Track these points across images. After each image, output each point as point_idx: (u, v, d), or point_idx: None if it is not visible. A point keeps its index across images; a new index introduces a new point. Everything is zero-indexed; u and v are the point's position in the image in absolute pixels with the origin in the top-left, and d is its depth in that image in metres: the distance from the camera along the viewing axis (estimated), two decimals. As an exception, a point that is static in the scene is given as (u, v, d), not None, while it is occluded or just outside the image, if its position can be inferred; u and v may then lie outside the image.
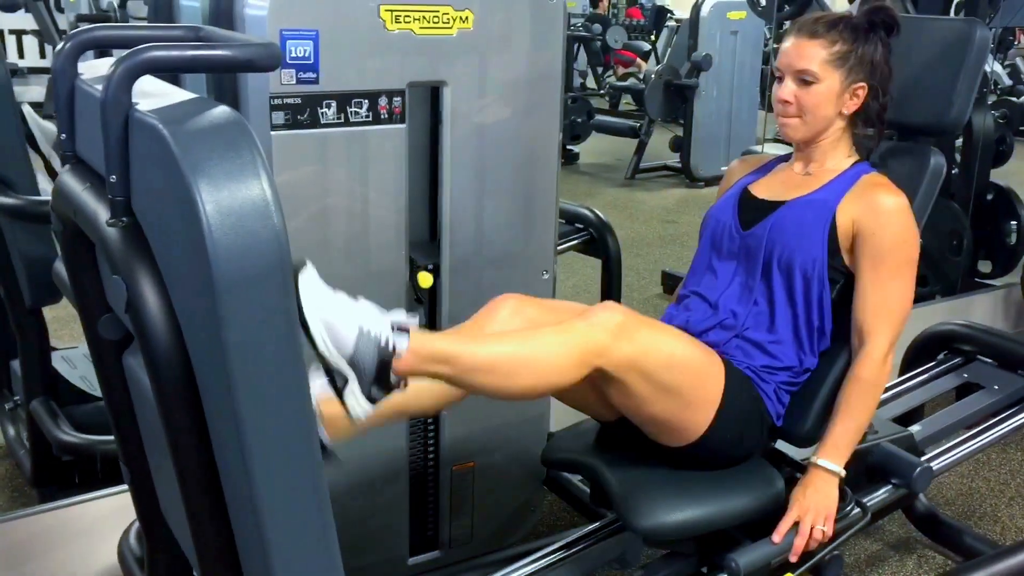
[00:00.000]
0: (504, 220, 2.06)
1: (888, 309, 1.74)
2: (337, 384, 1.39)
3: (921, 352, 2.44)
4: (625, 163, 6.96)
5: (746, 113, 6.79)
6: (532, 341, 1.57)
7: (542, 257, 2.13)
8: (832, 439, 1.74)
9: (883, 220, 1.73)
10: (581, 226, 3.40)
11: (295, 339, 0.97)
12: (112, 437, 1.41)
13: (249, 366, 0.94)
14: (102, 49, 1.65)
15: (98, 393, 2.53)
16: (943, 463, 2.04)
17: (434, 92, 1.96)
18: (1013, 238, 3.87)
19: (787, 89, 1.81)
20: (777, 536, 1.71)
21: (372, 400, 1.40)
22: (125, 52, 1.01)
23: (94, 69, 1.24)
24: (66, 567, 2.16)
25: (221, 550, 1.06)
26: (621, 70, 9.93)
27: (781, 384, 1.80)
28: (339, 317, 1.37)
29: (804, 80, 1.79)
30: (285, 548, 1.00)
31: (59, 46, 1.20)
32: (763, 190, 1.90)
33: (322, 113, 1.80)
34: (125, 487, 1.45)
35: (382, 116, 1.87)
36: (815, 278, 1.76)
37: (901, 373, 2.45)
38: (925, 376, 2.37)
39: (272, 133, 1.76)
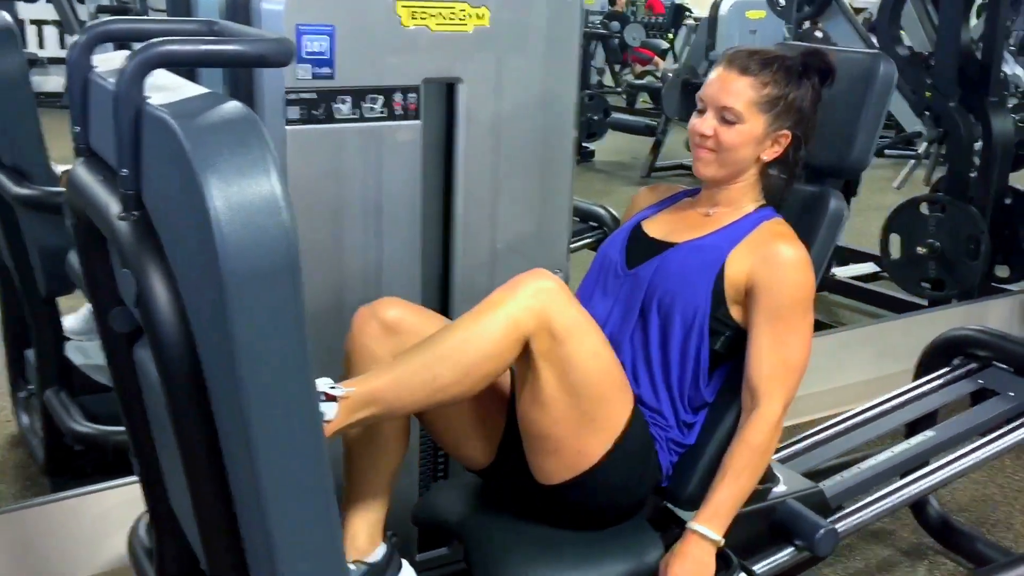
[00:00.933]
0: (518, 217, 2.05)
1: (784, 370, 1.61)
2: None
3: (936, 357, 2.42)
4: (641, 161, 6.95)
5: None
6: (452, 335, 1.45)
7: (555, 255, 2.12)
8: (713, 504, 1.59)
9: (780, 274, 1.61)
10: (595, 224, 3.39)
11: (302, 335, 0.96)
12: (124, 428, 1.41)
13: (256, 361, 0.94)
14: (118, 42, 1.66)
15: (111, 383, 2.55)
16: (848, 524, 1.86)
17: (449, 89, 1.95)
18: (1032, 242, 3.84)
19: (707, 123, 1.69)
20: None
21: None
22: (139, 45, 1.01)
23: (109, 62, 1.25)
24: (76, 556, 2.17)
25: (227, 542, 1.07)
26: (639, 68, 9.90)
27: (671, 441, 1.68)
28: None
29: (726, 118, 1.67)
30: (289, 541, 1.00)
31: (74, 38, 1.20)
32: (657, 228, 1.78)
33: (337, 108, 1.80)
34: (136, 478, 1.45)
35: (397, 112, 1.86)
36: (695, 330, 1.63)
37: (916, 377, 2.44)
38: (940, 381, 2.35)
39: (287, 128, 1.75)
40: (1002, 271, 4.00)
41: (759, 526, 1.74)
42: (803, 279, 1.62)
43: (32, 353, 2.58)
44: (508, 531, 1.64)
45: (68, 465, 2.51)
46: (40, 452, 2.56)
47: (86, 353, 2.70)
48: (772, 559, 1.73)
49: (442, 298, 2.07)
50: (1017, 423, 2.16)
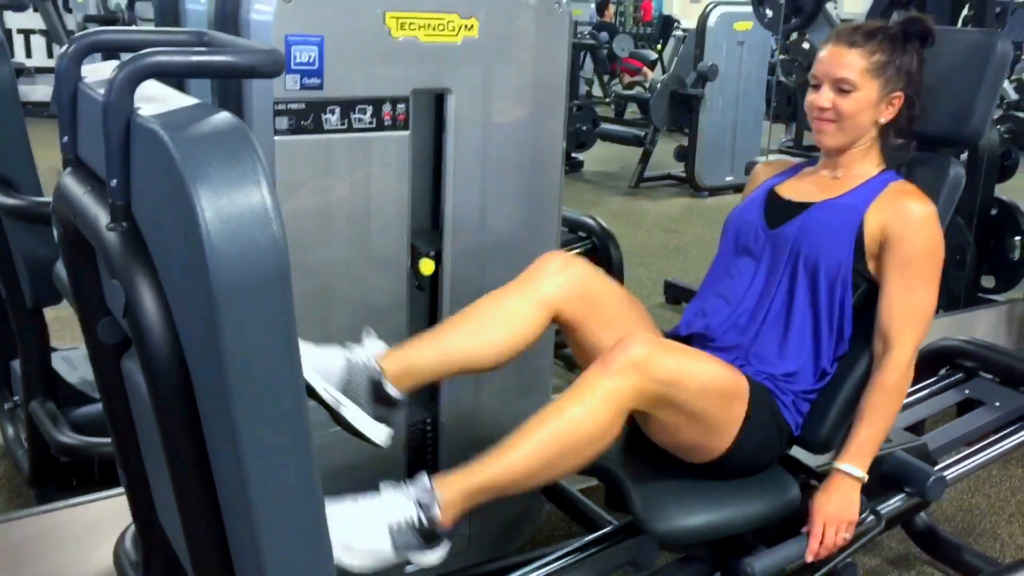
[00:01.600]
0: (507, 228, 2.06)
1: (915, 315, 1.75)
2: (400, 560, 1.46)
3: (923, 367, 2.41)
4: (630, 172, 6.96)
5: (751, 124, 6.79)
6: (555, 423, 1.54)
7: (544, 265, 2.12)
8: (856, 444, 1.74)
9: (913, 227, 1.74)
10: (584, 235, 3.40)
11: (293, 348, 0.96)
12: (110, 439, 1.40)
13: (246, 374, 0.93)
14: (107, 52, 1.66)
15: (97, 395, 2.54)
16: (956, 473, 2.05)
17: (438, 99, 1.96)
18: (1017, 253, 3.86)
19: (825, 96, 1.81)
20: (802, 540, 1.73)
21: (437, 544, 1.50)
22: (129, 56, 1.01)
23: (98, 72, 1.24)
24: (62, 569, 2.15)
25: (215, 556, 1.06)
26: (627, 78, 9.94)
27: (799, 394, 1.80)
28: (364, 534, 1.42)
29: (842, 88, 1.80)
30: (279, 555, 1.00)
31: (63, 48, 1.20)
32: (791, 191, 1.90)
33: (326, 119, 1.80)
34: (122, 490, 1.44)
35: (386, 123, 1.87)
36: (839, 281, 1.77)
37: (902, 387, 2.44)
38: (926, 391, 2.37)
39: (275, 138, 1.76)
40: (988, 281, 4.02)
41: (872, 475, 1.81)
42: (932, 233, 1.76)
43: (18, 364, 2.57)
44: (657, 475, 1.79)
45: (53, 477, 2.48)
46: (25, 464, 2.54)
47: (73, 364, 2.69)
48: (886, 505, 1.89)
49: (431, 308, 2.08)
50: (1003, 433, 2.17)
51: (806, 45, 4.88)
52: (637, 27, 10.78)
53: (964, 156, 3.82)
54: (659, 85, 6.84)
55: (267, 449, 0.96)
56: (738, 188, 5.24)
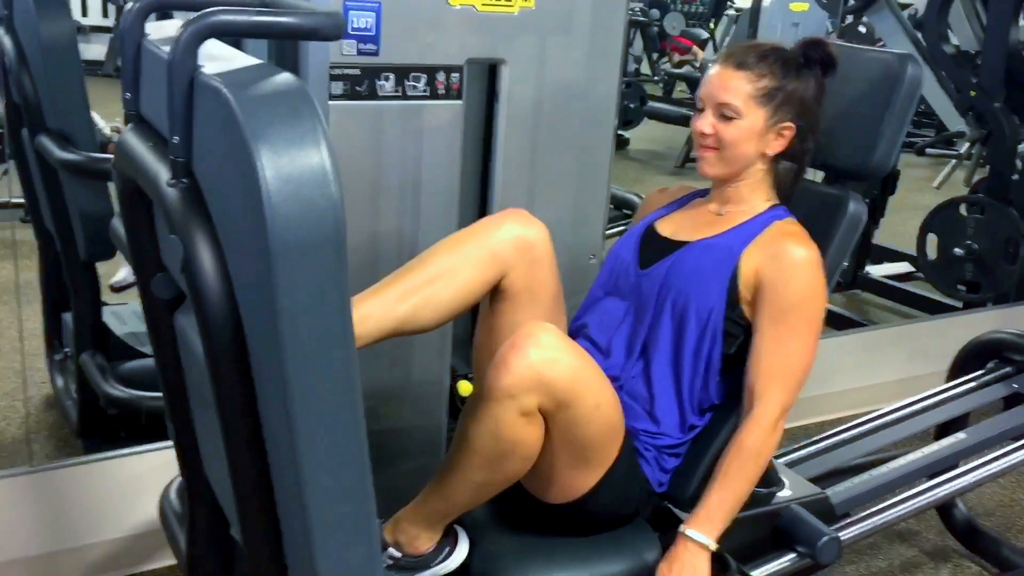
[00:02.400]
0: (554, 201, 2.05)
1: (783, 371, 1.57)
2: None
3: (970, 360, 2.40)
4: (676, 151, 6.90)
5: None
6: (472, 437, 1.45)
7: (591, 241, 2.12)
8: (706, 509, 1.57)
9: (788, 273, 1.57)
10: (628, 212, 3.38)
11: (346, 310, 0.97)
12: (158, 394, 1.43)
13: (299, 333, 0.95)
14: (167, 11, 1.68)
15: (146, 350, 2.59)
16: (854, 532, 1.84)
17: (491, 70, 1.95)
18: (1070, 248, 3.78)
19: (706, 121, 1.66)
20: None
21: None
22: (192, 15, 1.02)
23: (161, 30, 1.26)
24: (107, 518, 2.21)
25: (261, 510, 1.08)
26: (677, 57, 9.81)
27: (662, 449, 1.65)
28: None
29: (724, 114, 1.64)
30: (324, 512, 1.02)
31: (128, 5, 1.21)
32: (669, 227, 1.74)
33: (380, 86, 1.81)
34: (168, 443, 1.48)
35: (439, 91, 1.87)
36: (709, 330, 1.61)
37: (948, 379, 2.42)
38: (972, 384, 2.33)
39: (330, 103, 1.77)
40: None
41: (762, 531, 1.72)
42: (810, 280, 1.58)
43: (69, 316, 2.62)
44: (505, 532, 1.63)
45: (101, 428, 2.54)
46: (74, 414, 2.60)
47: (123, 319, 2.74)
48: (772, 565, 1.71)
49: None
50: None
51: (862, 29, 4.79)
52: (690, 5, 10.64)
53: (1022, 147, 3.75)
54: (709, 65, 6.75)
55: (317, 406, 0.98)
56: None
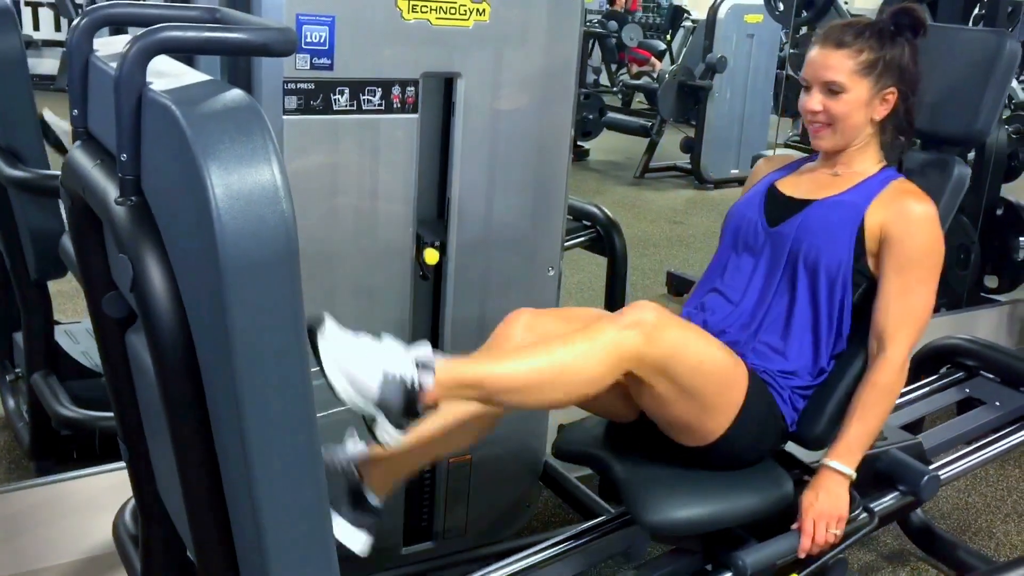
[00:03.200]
0: (513, 215, 2.05)
1: (910, 316, 1.73)
2: (367, 422, 1.42)
3: (924, 365, 2.44)
4: (635, 162, 6.95)
5: (759, 117, 6.78)
6: (560, 352, 1.53)
7: (549, 253, 2.12)
8: (845, 441, 1.73)
9: (912, 227, 1.73)
10: (588, 223, 3.38)
11: (299, 327, 0.96)
12: (111, 414, 1.41)
13: (252, 351, 0.94)
14: (118, 26, 1.65)
15: (100, 369, 2.54)
16: (950, 473, 2.04)
17: (447, 83, 1.95)
18: (1021, 254, 3.86)
19: (815, 99, 1.80)
20: (794, 536, 1.72)
21: (402, 428, 1.44)
22: (141, 30, 1.01)
23: (109, 46, 1.24)
24: (60, 541, 2.16)
25: (216, 531, 1.06)
26: (635, 68, 9.90)
27: (795, 389, 1.79)
28: (361, 365, 1.38)
29: (832, 90, 1.78)
30: (280, 533, 1.00)
31: (75, 21, 1.20)
32: (791, 187, 1.89)
33: (335, 100, 1.80)
34: (122, 464, 1.45)
35: (395, 105, 1.86)
36: (839, 280, 1.75)
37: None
38: (927, 389, 2.37)
39: (284, 117, 1.76)
40: (991, 281, 4.02)
41: (866, 472, 1.82)
42: (932, 233, 1.74)
43: (20, 336, 2.57)
44: (651, 466, 1.78)
45: (54, 449, 2.49)
46: (26, 436, 2.55)
47: (75, 338, 2.69)
48: (881, 501, 1.89)
49: (435, 291, 2.08)
50: (1002, 433, 2.18)
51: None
52: (647, 17, 10.73)
53: (971, 156, 3.82)
54: (667, 76, 6.82)
55: (271, 426, 0.97)
56: (743, 181, 5.25)
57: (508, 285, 2.08)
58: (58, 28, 8.21)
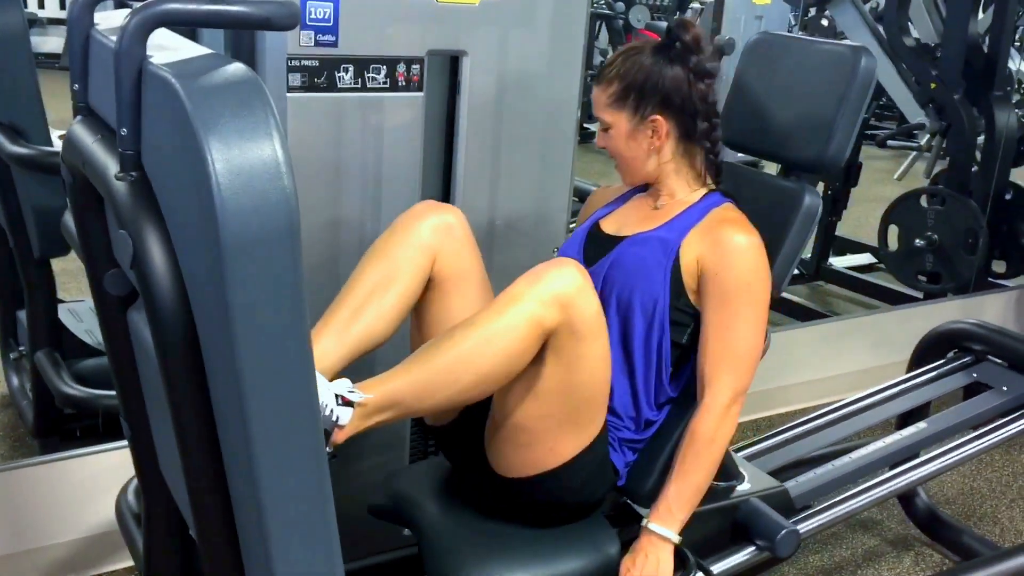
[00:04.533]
0: (517, 194, 2.04)
1: (730, 356, 1.57)
2: None
3: (930, 349, 2.42)
4: (641, 144, 6.90)
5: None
6: (473, 334, 1.40)
7: (554, 233, 2.11)
8: (665, 501, 1.56)
9: (729, 259, 1.57)
10: (594, 205, 3.36)
11: (301, 303, 0.95)
12: (114, 392, 1.40)
13: (253, 328, 0.92)
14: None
15: (103, 347, 2.54)
16: (813, 525, 1.82)
17: (453, 62, 1.93)
18: (1030, 239, 3.84)
19: (598, 137, 1.72)
20: None
21: None
22: (141, 3, 0.99)
23: (110, 20, 1.23)
24: (64, 519, 2.17)
25: (217, 510, 1.06)
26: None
27: (623, 442, 1.65)
28: None
29: (604, 128, 1.69)
30: (280, 508, 1.00)
31: (77, -5, 1.18)
32: (614, 222, 1.74)
33: (339, 77, 1.78)
34: (125, 443, 1.44)
35: (400, 83, 1.84)
36: (656, 321, 1.60)
37: (909, 369, 2.44)
38: (933, 374, 2.35)
39: (288, 95, 1.74)
40: (999, 266, 4.00)
41: (721, 525, 1.72)
42: (751, 264, 1.58)
43: (24, 314, 2.57)
44: (464, 524, 1.60)
45: (57, 428, 2.50)
46: (29, 414, 2.55)
47: (79, 316, 2.69)
48: (732, 559, 1.70)
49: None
50: (1009, 418, 2.16)
51: (824, 22, 4.82)
52: (655, -2, 10.66)
53: (982, 139, 3.79)
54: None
55: (272, 404, 0.96)
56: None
57: (513, 267, 2.06)
58: (63, 7, 8.18)
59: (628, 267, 1.64)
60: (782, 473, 1.92)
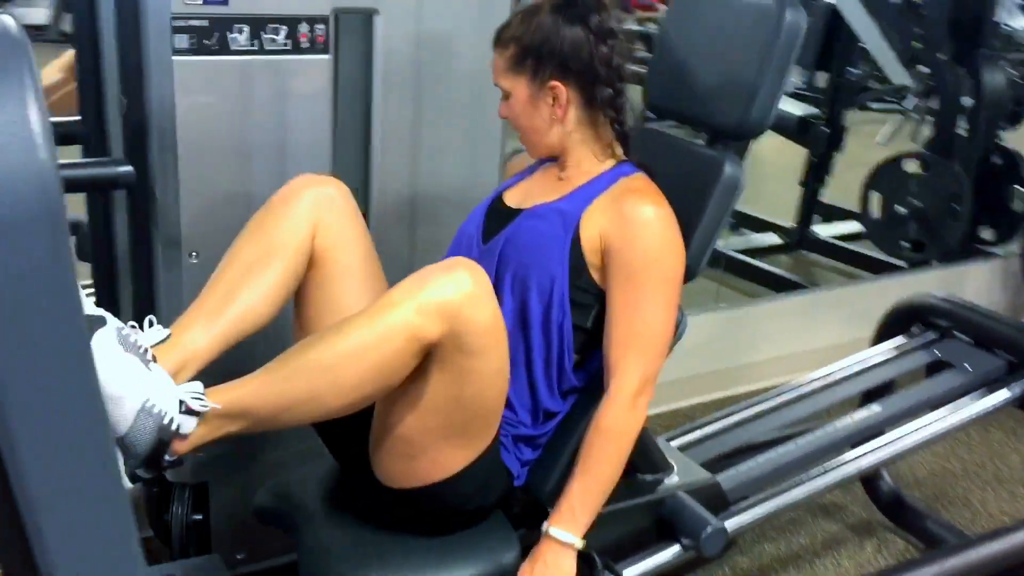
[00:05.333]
0: (441, 166, 1.90)
1: (638, 339, 1.41)
2: None
3: (894, 324, 2.27)
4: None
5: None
6: (340, 342, 1.25)
7: (482, 207, 1.97)
8: (568, 502, 1.41)
9: (633, 231, 1.41)
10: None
11: (71, 299, 0.82)
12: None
13: (10, 327, 0.80)
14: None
15: None
16: (750, 518, 1.69)
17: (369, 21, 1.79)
18: (1017, 203, 3.67)
19: (500, 106, 1.56)
20: None
21: (134, 480, 1.21)
22: None
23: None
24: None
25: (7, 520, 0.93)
26: (639, 14, 9.62)
27: (519, 439, 1.50)
28: (125, 388, 1.15)
29: (504, 97, 1.54)
30: (63, 522, 0.87)
31: None
32: (516, 196, 1.58)
33: (232, 39, 1.64)
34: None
35: (302, 45, 1.70)
36: (555, 302, 1.44)
37: (873, 344, 2.30)
38: (896, 351, 2.21)
39: (174, 58, 1.60)
40: (987, 233, 3.84)
41: (643, 522, 1.59)
42: (659, 239, 1.42)
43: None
44: (347, 531, 1.45)
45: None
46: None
47: None
48: (652, 559, 1.57)
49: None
50: (971, 396, 2.02)
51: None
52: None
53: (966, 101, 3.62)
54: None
55: (40, 414, 0.83)
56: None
57: (438, 244, 1.91)
58: (42, -25, 8.01)
59: (523, 242, 1.49)
60: (719, 463, 1.79)
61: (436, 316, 1.23)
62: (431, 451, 1.36)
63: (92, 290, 2.11)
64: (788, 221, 4.36)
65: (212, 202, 1.70)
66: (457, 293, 1.24)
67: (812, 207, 4.30)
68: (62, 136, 2.17)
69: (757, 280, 3.84)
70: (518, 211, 1.54)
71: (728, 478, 1.73)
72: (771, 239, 4.38)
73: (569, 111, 1.50)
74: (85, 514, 0.88)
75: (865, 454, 1.90)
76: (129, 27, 1.65)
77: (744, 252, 4.07)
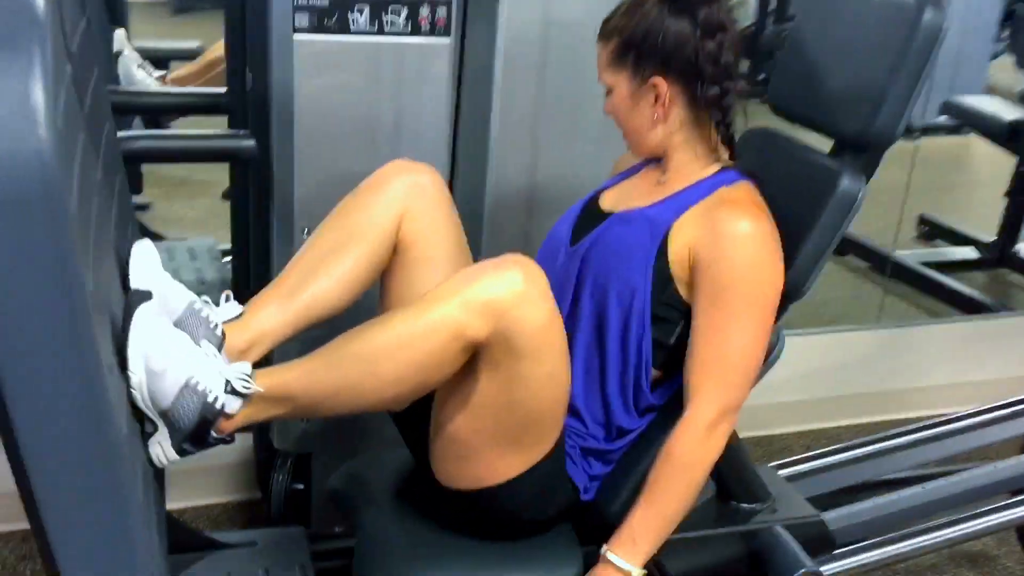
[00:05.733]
0: (561, 156, 1.82)
1: (720, 364, 1.32)
2: (146, 428, 1.16)
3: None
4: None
5: (977, 56, 5.97)
6: (385, 335, 1.22)
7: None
8: (629, 529, 1.33)
9: (723, 246, 1.31)
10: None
11: (71, 283, 0.81)
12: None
13: (4, 307, 0.80)
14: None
15: None
16: (851, 563, 1.56)
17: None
18: None
19: (606, 102, 1.47)
20: None
21: (182, 454, 1.20)
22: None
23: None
24: None
25: (26, 495, 0.95)
26: None
27: (588, 452, 1.42)
28: (166, 363, 1.13)
29: (607, 92, 1.45)
30: (62, 515, 0.88)
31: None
32: (612, 198, 1.50)
33: (352, 19, 1.64)
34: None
35: (423, 28, 1.67)
36: (634, 314, 1.36)
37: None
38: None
39: (294, 36, 1.62)
40: None
41: (733, 552, 1.47)
42: (751, 256, 1.32)
43: None
44: (406, 527, 1.42)
45: None
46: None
47: None
48: None
49: (472, 241, 1.89)
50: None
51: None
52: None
53: None
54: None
55: (38, 398, 0.83)
56: (951, 129, 4.64)
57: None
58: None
59: (608, 248, 1.41)
60: (831, 499, 1.63)
61: (482, 313, 1.18)
62: (484, 454, 1.31)
63: (228, 258, 2.20)
64: (990, 234, 3.98)
65: (326, 180, 1.70)
66: (506, 291, 1.18)
67: (1018, 219, 3.90)
68: (215, 107, 2.27)
69: (939, 298, 3.52)
70: (609, 214, 1.46)
71: (838, 518, 1.57)
72: (965, 252, 4.01)
73: (672, 110, 1.40)
74: (81, 495, 0.89)
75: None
76: (257, 3, 1.68)
77: (929, 264, 3.74)
